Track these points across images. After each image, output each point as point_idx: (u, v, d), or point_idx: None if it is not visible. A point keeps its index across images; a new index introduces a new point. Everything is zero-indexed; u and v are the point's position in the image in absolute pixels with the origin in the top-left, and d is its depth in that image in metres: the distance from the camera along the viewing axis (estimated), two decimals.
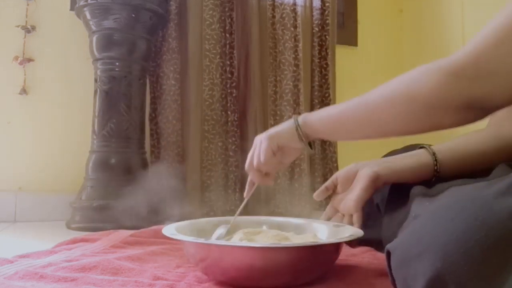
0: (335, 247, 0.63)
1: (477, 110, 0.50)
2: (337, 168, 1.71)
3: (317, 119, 0.68)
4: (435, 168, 0.69)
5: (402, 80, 0.54)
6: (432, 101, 0.51)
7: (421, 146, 0.73)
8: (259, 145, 0.73)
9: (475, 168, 0.67)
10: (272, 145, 0.71)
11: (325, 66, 1.76)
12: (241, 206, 0.77)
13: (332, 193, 0.76)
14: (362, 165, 0.72)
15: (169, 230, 0.65)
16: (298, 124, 0.69)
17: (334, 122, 0.65)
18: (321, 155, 1.72)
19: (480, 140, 0.70)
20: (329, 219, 0.77)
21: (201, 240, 0.60)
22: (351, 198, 0.71)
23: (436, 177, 0.69)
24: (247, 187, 0.78)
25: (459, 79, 0.48)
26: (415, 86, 0.52)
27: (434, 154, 0.70)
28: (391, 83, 0.56)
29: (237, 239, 0.67)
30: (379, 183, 0.70)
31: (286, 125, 0.72)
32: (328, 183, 0.76)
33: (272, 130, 0.73)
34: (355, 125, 0.62)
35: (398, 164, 0.71)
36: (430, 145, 0.72)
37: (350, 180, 0.74)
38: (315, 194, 0.76)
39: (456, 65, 0.49)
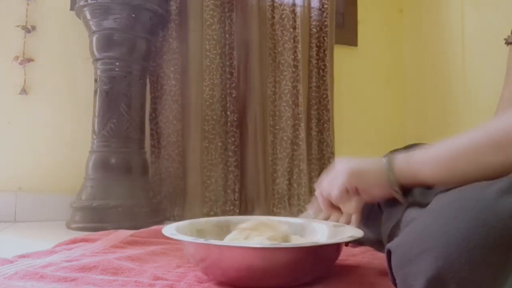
0: (335, 248, 0.63)
1: None
2: None
3: (423, 162, 0.55)
4: None
5: None
6: None
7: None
8: (336, 176, 0.64)
9: None
10: (349, 185, 0.62)
11: (323, 67, 1.76)
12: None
13: None
14: None
15: (169, 230, 0.65)
16: (390, 168, 0.58)
17: (451, 162, 0.51)
18: (318, 155, 1.73)
19: None
20: (328, 217, 0.77)
21: (201, 240, 0.60)
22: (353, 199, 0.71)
23: None
24: (313, 207, 0.73)
25: None
26: None
27: None
28: None
29: (229, 238, 0.66)
30: None
31: (374, 165, 0.61)
32: None
33: (356, 164, 0.63)
34: (483, 166, 0.47)
35: None
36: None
37: None
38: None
39: None
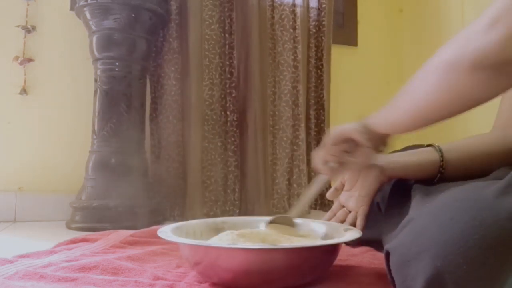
0: (334, 248, 0.63)
1: None
2: None
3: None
4: (441, 164, 0.69)
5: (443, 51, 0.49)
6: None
7: (428, 144, 0.74)
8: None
9: (481, 169, 0.67)
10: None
11: (320, 67, 1.76)
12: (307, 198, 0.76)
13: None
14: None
15: (165, 232, 0.65)
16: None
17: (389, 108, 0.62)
18: None
19: (487, 142, 0.70)
20: (334, 215, 0.77)
21: (197, 242, 0.60)
22: (360, 193, 0.71)
23: (441, 174, 0.69)
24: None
25: None
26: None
27: (441, 151, 0.70)
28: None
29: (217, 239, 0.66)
30: (384, 177, 0.71)
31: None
32: (337, 183, 0.77)
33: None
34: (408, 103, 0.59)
35: (404, 160, 0.71)
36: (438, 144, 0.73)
37: (356, 177, 0.74)
38: (328, 194, 0.77)
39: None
